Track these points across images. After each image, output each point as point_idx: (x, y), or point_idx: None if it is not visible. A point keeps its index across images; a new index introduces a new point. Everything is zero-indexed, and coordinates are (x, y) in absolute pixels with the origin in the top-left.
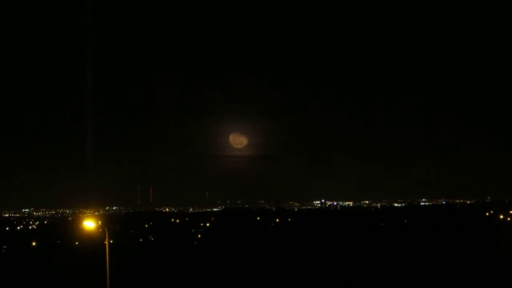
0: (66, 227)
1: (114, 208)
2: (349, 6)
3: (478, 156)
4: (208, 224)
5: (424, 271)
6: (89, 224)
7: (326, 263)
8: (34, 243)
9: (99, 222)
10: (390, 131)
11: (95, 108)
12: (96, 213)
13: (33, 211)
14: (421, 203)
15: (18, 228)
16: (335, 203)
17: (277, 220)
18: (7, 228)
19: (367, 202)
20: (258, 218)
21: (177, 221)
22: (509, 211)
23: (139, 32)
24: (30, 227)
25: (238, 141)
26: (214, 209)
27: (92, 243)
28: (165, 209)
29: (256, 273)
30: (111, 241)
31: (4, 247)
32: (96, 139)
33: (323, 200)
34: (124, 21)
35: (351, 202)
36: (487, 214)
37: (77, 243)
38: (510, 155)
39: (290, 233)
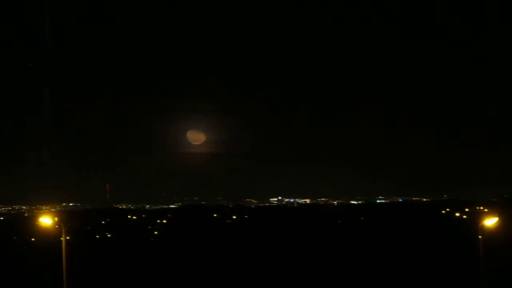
0: (22, 223)
1: (71, 204)
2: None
3: (436, 154)
4: (164, 221)
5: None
6: (46, 220)
7: (276, 259)
8: None
9: (56, 218)
10: (349, 129)
11: (53, 104)
12: (53, 210)
13: None
14: (378, 201)
15: None
16: (292, 201)
17: (234, 217)
18: None
19: (324, 199)
20: (215, 215)
21: (134, 217)
22: (464, 209)
23: (98, 26)
24: None
25: (196, 137)
26: (171, 206)
27: (49, 240)
28: (122, 206)
29: (208, 269)
30: (68, 238)
31: None
32: (53, 136)
33: (280, 198)
34: (81, 17)
35: (308, 200)
36: (443, 211)
37: (33, 239)
38: (467, 154)
39: (247, 230)
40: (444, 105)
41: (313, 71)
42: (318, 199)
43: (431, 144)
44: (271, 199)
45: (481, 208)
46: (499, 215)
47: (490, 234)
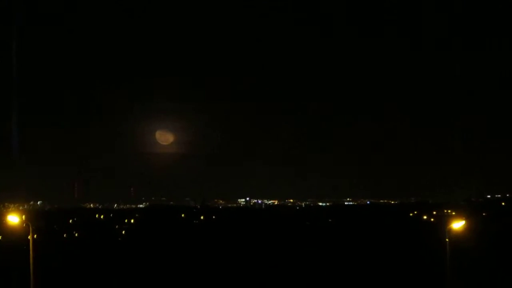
0: None
1: (38, 203)
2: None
3: (403, 156)
4: (132, 221)
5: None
6: (13, 218)
7: (242, 260)
8: None
9: (23, 217)
10: (318, 129)
11: (22, 103)
12: (20, 208)
13: None
14: (346, 203)
15: None
16: (259, 201)
17: (202, 217)
18: None
19: (292, 200)
20: (183, 215)
21: (102, 217)
22: (432, 212)
23: (65, 29)
24: None
25: (165, 138)
26: (139, 206)
27: (16, 238)
28: (90, 205)
29: (175, 269)
30: (35, 236)
31: None
32: (21, 134)
33: (248, 198)
34: (52, 19)
35: (276, 201)
36: (411, 214)
37: (0, 237)
38: (437, 157)
39: (213, 230)
40: (417, 107)
41: (280, 69)
42: (286, 200)
43: (401, 146)
44: (239, 199)
45: (449, 211)
46: (466, 218)
47: (457, 237)
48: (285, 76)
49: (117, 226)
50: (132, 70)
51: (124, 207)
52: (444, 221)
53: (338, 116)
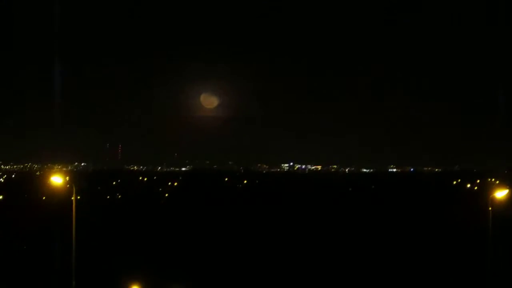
0: (34, 181)
1: (82, 164)
2: None
3: (448, 125)
4: (175, 184)
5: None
6: (57, 179)
7: (284, 227)
8: (0, 197)
9: (67, 178)
10: (362, 98)
11: (64, 66)
12: (64, 169)
13: (1, 164)
14: (389, 170)
15: None
16: (303, 167)
17: (245, 181)
18: None
19: (335, 166)
20: (226, 179)
21: (145, 179)
22: (475, 180)
23: None
24: None
25: (209, 101)
26: (182, 169)
27: (59, 199)
28: (133, 167)
29: (216, 233)
30: (78, 197)
31: None
32: (66, 97)
33: (291, 163)
34: None
35: (320, 166)
36: (455, 182)
37: (44, 198)
38: (480, 126)
39: (257, 195)
40: (454, 76)
41: (326, 38)
42: (330, 166)
43: (445, 115)
44: (282, 164)
45: (492, 179)
46: (510, 187)
47: (500, 206)
48: (330, 44)
49: (160, 189)
50: (179, 34)
51: (168, 170)
52: (487, 189)
53: (384, 89)
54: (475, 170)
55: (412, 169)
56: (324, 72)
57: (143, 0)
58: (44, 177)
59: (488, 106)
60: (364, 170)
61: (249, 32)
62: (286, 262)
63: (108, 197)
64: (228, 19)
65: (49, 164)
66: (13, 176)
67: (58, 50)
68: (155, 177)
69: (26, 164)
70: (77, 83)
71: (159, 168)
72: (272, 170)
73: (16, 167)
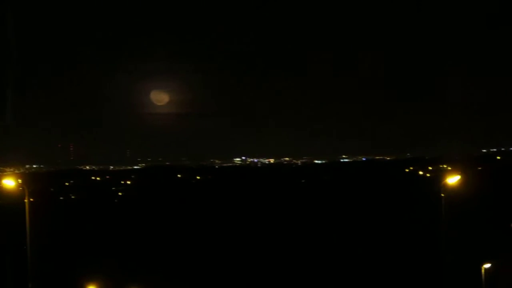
0: None
1: (34, 166)
2: None
3: (399, 112)
4: (129, 182)
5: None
6: (9, 182)
7: (239, 219)
8: None
9: (19, 180)
10: (314, 88)
11: (12, 65)
12: (16, 172)
13: None
14: (341, 160)
15: None
16: (255, 160)
17: (198, 177)
18: None
19: (288, 159)
20: (179, 176)
21: (98, 178)
22: (428, 167)
23: None
24: None
25: (160, 98)
26: (135, 167)
27: (12, 202)
28: (86, 167)
29: (172, 228)
30: (31, 200)
31: None
32: (16, 98)
33: (243, 158)
34: None
35: (272, 159)
36: (407, 170)
37: None
38: (430, 112)
39: (210, 190)
40: (401, 61)
41: (274, 30)
42: (282, 159)
43: (393, 100)
44: (234, 159)
45: (444, 166)
46: (462, 173)
47: (453, 192)
48: (279, 35)
49: (113, 188)
50: (127, 30)
51: (120, 168)
52: (440, 176)
53: (331, 72)
54: (427, 157)
55: (364, 158)
56: (273, 66)
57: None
58: None
59: (438, 92)
60: (317, 161)
61: (197, 28)
62: (239, 256)
63: (61, 198)
64: (177, 14)
65: (0, 167)
66: None
67: (8, 51)
68: (107, 176)
69: None
70: (27, 84)
71: (112, 167)
72: (225, 164)
73: None
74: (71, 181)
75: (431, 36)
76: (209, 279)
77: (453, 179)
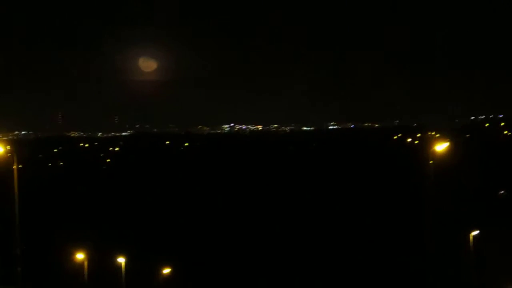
0: None
1: (23, 132)
2: None
3: (388, 79)
4: (117, 149)
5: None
6: None
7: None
8: None
9: (8, 147)
10: (302, 56)
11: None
12: (5, 138)
13: None
14: (330, 127)
15: None
16: (244, 127)
17: (186, 144)
18: None
19: (276, 126)
20: (167, 143)
21: (86, 145)
22: (416, 135)
23: None
24: None
25: (147, 65)
26: (123, 134)
27: (0, 168)
28: (74, 133)
29: (161, 195)
30: (20, 166)
31: None
32: (5, 64)
33: (232, 124)
34: None
35: (260, 126)
36: (395, 137)
37: None
38: (420, 78)
39: (198, 157)
40: (393, 28)
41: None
42: (270, 126)
43: (383, 68)
44: (223, 126)
45: (432, 133)
46: (450, 140)
47: (441, 160)
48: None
49: (102, 154)
50: None
51: (109, 135)
52: (427, 143)
53: (319, 40)
54: (415, 125)
55: (352, 125)
56: (261, 33)
57: None
58: None
59: (426, 59)
60: (305, 128)
61: None
62: (228, 221)
63: (49, 164)
64: None
65: None
66: None
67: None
68: (96, 143)
69: None
70: (15, 50)
71: (99, 133)
72: (213, 131)
73: None
74: (60, 148)
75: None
76: (196, 245)
77: (441, 146)
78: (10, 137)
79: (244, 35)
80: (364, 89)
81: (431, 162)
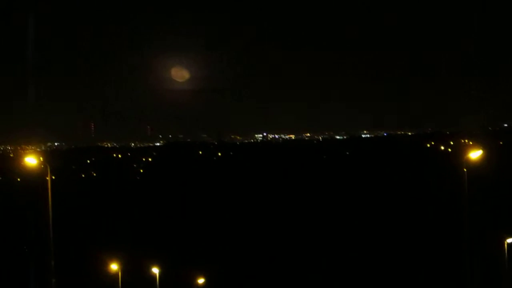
0: (8, 163)
1: (56, 144)
2: None
3: (420, 87)
4: (150, 159)
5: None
6: (31, 160)
7: (263, 196)
8: None
9: (41, 158)
10: (338, 64)
11: (35, 44)
12: (38, 149)
13: None
14: (363, 135)
15: None
16: (276, 136)
17: (219, 154)
18: None
19: (308, 134)
20: (200, 152)
21: (119, 156)
22: (449, 142)
23: None
24: None
25: (180, 74)
26: (156, 144)
27: (34, 179)
28: (107, 144)
29: (195, 206)
30: (53, 177)
31: None
32: (37, 75)
33: (265, 133)
34: None
35: (293, 136)
36: (428, 145)
37: (19, 179)
38: (451, 86)
39: (232, 167)
40: (420, 36)
41: (288, 7)
42: (303, 135)
43: (413, 77)
44: (256, 135)
45: (466, 141)
46: (484, 147)
47: (475, 167)
48: (294, 13)
49: (135, 165)
50: (148, 5)
51: (142, 145)
52: (461, 151)
53: (350, 49)
54: (448, 132)
55: (385, 134)
56: (294, 45)
57: None
58: (18, 158)
59: (456, 66)
60: (338, 137)
61: (220, 3)
62: (267, 233)
63: (83, 175)
64: None
65: (22, 145)
66: None
67: (28, 28)
68: (129, 153)
69: None
70: (46, 61)
71: (132, 144)
72: (246, 141)
73: None
74: (92, 159)
75: (458, 11)
76: (229, 255)
77: (475, 154)
78: (43, 148)
79: (276, 45)
80: (397, 97)
81: (465, 169)
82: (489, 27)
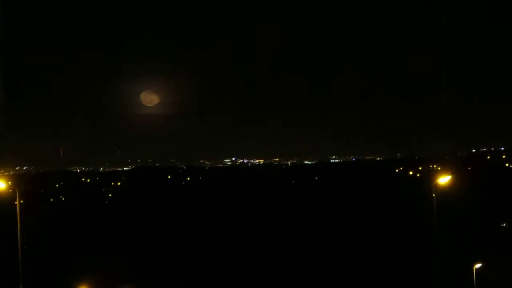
0: None
1: (24, 168)
2: None
3: (388, 113)
4: (119, 184)
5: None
6: None
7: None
8: None
9: (9, 182)
10: (301, 90)
11: (5, 69)
12: (6, 174)
13: None
14: (332, 160)
15: None
16: (245, 161)
17: (188, 178)
18: None
19: (278, 159)
20: (169, 177)
21: (88, 180)
22: (418, 167)
23: None
24: None
25: (149, 99)
26: (124, 168)
27: (3, 203)
28: (76, 168)
29: (162, 229)
30: (22, 202)
31: None
32: (5, 101)
33: (233, 158)
34: None
35: (262, 160)
36: (397, 170)
37: None
38: (420, 113)
39: (200, 191)
40: (389, 62)
41: (259, 32)
42: (272, 160)
43: (383, 102)
44: (224, 160)
45: (434, 166)
46: (452, 173)
47: (444, 192)
48: (267, 34)
49: (103, 189)
50: (117, 32)
51: (110, 169)
52: (430, 176)
53: (320, 74)
54: (416, 157)
55: (354, 159)
56: (260, 67)
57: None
58: None
59: (427, 92)
60: (307, 162)
61: (187, 27)
62: (230, 256)
63: (51, 199)
64: (167, 13)
65: None
66: None
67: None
68: (97, 178)
69: None
70: (15, 85)
71: (101, 168)
72: (215, 165)
73: None
74: (61, 183)
75: (423, 37)
76: (200, 279)
77: (443, 179)
78: (12, 172)
79: (246, 69)
80: (365, 122)
81: (434, 195)
82: (459, 55)
